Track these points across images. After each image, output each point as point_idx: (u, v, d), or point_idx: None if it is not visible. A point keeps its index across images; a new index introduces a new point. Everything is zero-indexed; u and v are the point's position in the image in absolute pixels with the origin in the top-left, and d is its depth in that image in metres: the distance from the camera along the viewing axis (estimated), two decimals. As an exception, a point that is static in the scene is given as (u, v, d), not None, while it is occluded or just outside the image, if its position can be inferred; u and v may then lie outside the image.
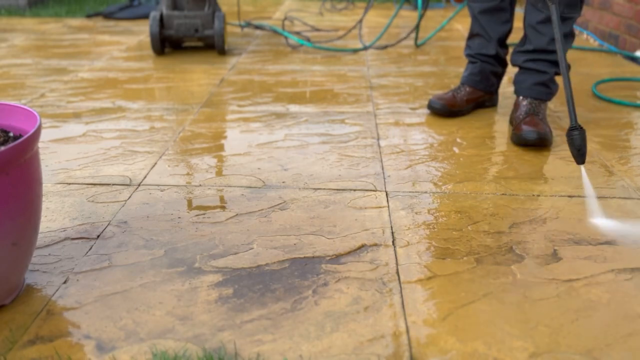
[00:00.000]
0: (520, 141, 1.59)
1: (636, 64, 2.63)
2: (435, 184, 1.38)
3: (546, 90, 1.70)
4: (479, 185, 1.37)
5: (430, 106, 1.88)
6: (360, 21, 3.18)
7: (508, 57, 1.88)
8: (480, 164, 1.50)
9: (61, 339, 0.85)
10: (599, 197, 1.32)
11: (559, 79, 1.86)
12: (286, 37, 3.00)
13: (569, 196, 1.32)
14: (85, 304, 0.93)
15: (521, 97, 1.73)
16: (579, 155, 1.27)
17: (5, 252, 0.85)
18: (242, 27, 3.35)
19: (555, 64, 1.67)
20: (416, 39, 3.00)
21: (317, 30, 3.32)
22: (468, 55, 1.91)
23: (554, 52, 1.64)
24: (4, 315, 0.90)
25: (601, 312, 0.92)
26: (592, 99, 2.09)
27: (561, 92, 2.08)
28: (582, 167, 1.29)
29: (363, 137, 1.69)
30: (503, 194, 1.33)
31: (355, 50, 2.86)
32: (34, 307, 0.92)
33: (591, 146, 1.63)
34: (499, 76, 1.92)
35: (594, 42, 3.12)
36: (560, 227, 1.19)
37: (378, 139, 1.67)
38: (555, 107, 1.97)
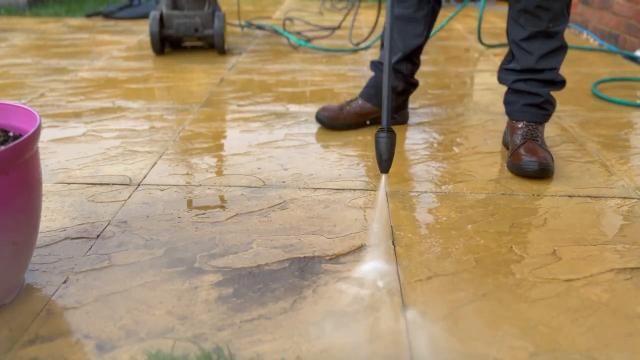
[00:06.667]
0: (519, 172, 1.41)
1: (636, 64, 2.63)
2: (435, 183, 1.38)
3: (542, 112, 1.53)
4: (478, 185, 1.37)
5: (316, 117, 1.75)
6: (342, 22, 3.20)
7: (420, 75, 1.67)
8: (480, 164, 1.50)
9: (61, 338, 0.85)
10: (599, 197, 1.32)
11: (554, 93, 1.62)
12: (288, 38, 3.00)
13: (569, 196, 1.32)
14: (85, 304, 0.93)
15: (514, 120, 1.56)
16: (381, 162, 1.06)
17: (4, 251, 0.85)
18: (242, 27, 3.35)
19: (547, 83, 1.51)
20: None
21: (325, 28, 3.32)
22: (371, 63, 1.77)
23: (544, 70, 1.49)
24: (3, 315, 0.90)
25: (601, 312, 0.92)
26: (592, 98, 2.09)
27: (562, 91, 2.08)
28: (383, 176, 1.09)
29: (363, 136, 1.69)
30: (503, 194, 1.33)
31: (355, 50, 2.86)
32: (33, 306, 0.92)
33: (591, 146, 1.63)
34: (400, 93, 1.73)
35: (593, 41, 3.12)
36: (560, 226, 1.19)
37: (378, 139, 1.66)
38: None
